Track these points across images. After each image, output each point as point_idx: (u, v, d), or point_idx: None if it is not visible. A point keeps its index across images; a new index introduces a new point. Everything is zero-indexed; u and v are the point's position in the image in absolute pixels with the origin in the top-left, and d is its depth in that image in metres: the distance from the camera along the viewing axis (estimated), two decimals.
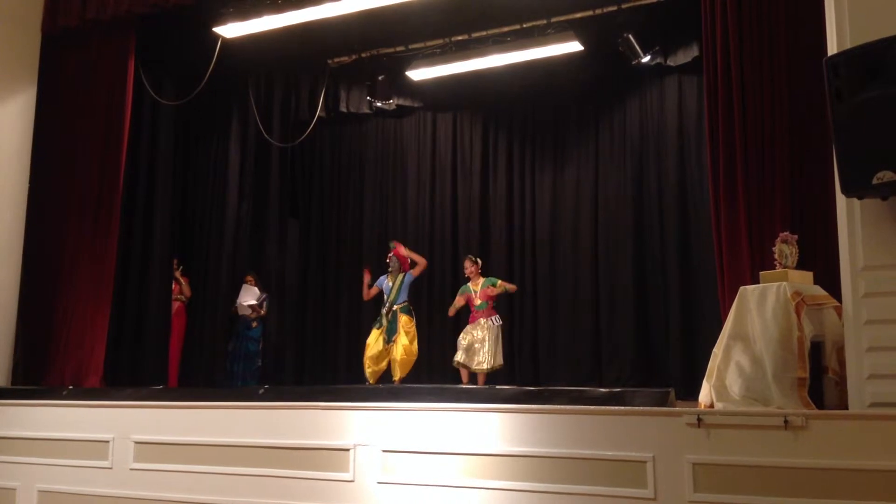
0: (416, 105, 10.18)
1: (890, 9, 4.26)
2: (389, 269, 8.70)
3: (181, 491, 5.39)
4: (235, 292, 9.72)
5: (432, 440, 4.79)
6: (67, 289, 7.37)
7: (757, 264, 5.08)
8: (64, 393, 6.37)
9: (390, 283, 8.60)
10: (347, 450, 4.98)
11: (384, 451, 4.89)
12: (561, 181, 9.61)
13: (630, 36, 8.25)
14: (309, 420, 5.15)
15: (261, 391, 5.93)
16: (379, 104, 9.91)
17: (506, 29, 8.61)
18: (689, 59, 8.43)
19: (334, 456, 5.00)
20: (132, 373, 7.98)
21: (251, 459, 5.23)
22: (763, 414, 4.12)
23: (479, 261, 8.74)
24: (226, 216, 9.61)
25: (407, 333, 8.34)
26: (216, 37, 8.04)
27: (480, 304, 8.45)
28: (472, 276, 8.62)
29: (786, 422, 3.97)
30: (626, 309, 8.90)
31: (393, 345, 8.33)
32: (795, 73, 5.33)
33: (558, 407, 4.58)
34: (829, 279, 4.66)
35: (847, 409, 4.24)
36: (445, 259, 9.92)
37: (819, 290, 4.65)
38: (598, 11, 8.21)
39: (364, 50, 9.36)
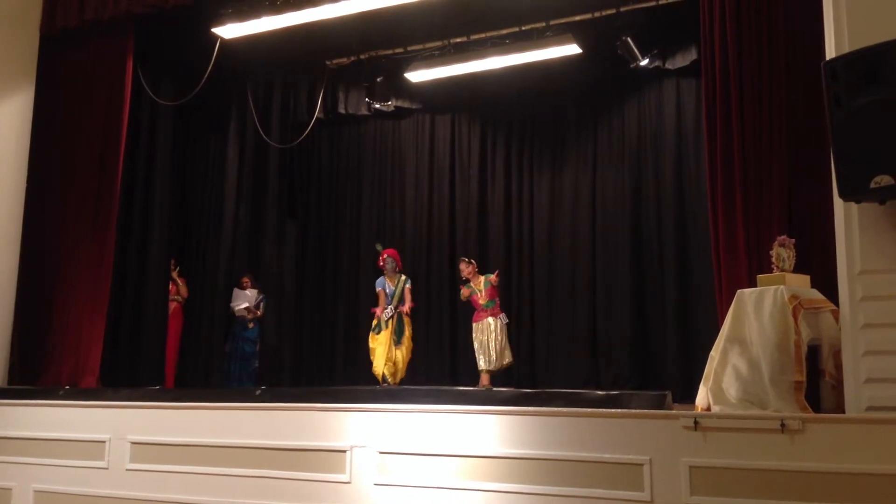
0: (414, 107, 10.19)
1: (888, 13, 4.26)
2: (385, 272, 8.71)
3: (177, 491, 5.38)
4: (232, 294, 9.72)
5: (429, 442, 4.79)
6: (64, 289, 7.36)
7: (754, 268, 5.08)
8: (60, 393, 6.36)
9: (392, 287, 8.61)
10: (344, 451, 4.97)
11: (381, 452, 4.89)
12: (559, 184, 9.62)
13: (629, 39, 8.26)
14: (306, 421, 5.15)
15: (257, 392, 5.92)
16: (377, 106, 9.92)
17: (504, 31, 8.62)
18: (687, 62, 8.44)
19: (331, 457, 5.00)
20: (129, 373, 7.97)
21: (248, 460, 5.22)
22: (760, 417, 4.12)
23: (473, 261, 8.76)
24: (224, 217, 9.60)
25: (409, 332, 8.53)
26: (215, 37, 8.04)
27: (488, 302, 8.51)
28: (470, 276, 8.63)
29: (783, 425, 3.97)
30: (624, 311, 8.91)
31: (400, 346, 8.43)
32: (794, 76, 5.34)
33: (555, 409, 4.58)
34: (826, 283, 4.66)
35: (844, 412, 4.24)
36: (443, 261, 9.92)
37: (816, 294, 4.65)
38: (596, 14, 8.23)
39: (363, 51, 9.37)
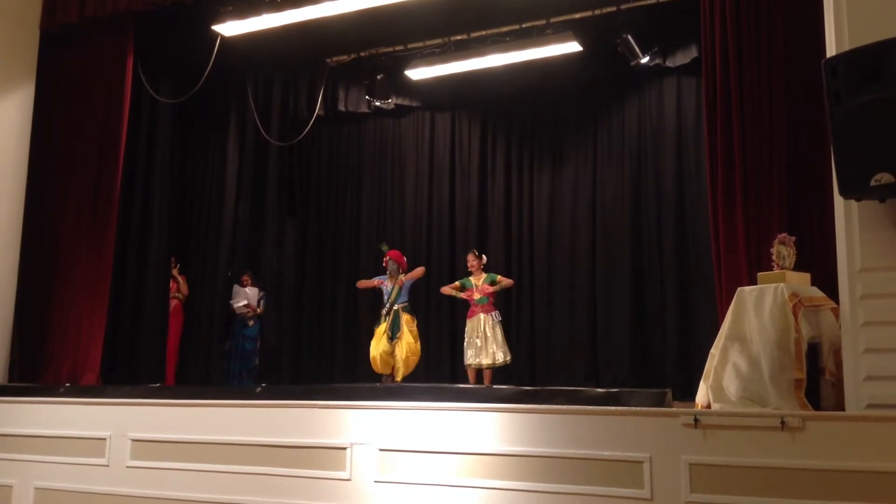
0: (414, 104, 10.19)
1: (889, 11, 4.26)
2: (388, 273, 8.72)
3: (178, 489, 5.39)
4: (232, 291, 9.73)
5: (429, 439, 4.79)
6: (65, 286, 7.37)
7: (754, 265, 5.08)
8: (61, 390, 6.36)
9: (390, 286, 8.63)
10: (344, 449, 4.97)
11: (381, 450, 4.89)
12: (559, 181, 9.62)
13: (629, 37, 8.26)
14: (306, 419, 5.15)
15: (258, 390, 5.93)
16: (377, 103, 9.92)
17: (505, 29, 8.61)
18: (687, 60, 8.44)
19: (331, 455, 5.00)
20: (129, 370, 7.98)
21: (248, 458, 5.22)
22: (760, 415, 4.13)
23: (483, 256, 8.76)
24: (224, 214, 9.60)
25: (410, 332, 8.46)
26: (215, 35, 8.04)
27: (480, 298, 8.50)
28: (474, 269, 8.64)
29: (782, 423, 3.97)
30: (624, 309, 8.91)
31: (397, 343, 8.41)
32: (794, 74, 5.34)
33: (555, 407, 4.58)
34: (826, 281, 4.66)
35: (844, 410, 4.25)
36: (443, 258, 9.92)
37: (816, 292, 4.65)
38: (597, 12, 8.22)
39: (363, 49, 9.36)
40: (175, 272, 9.22)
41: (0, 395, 6.38)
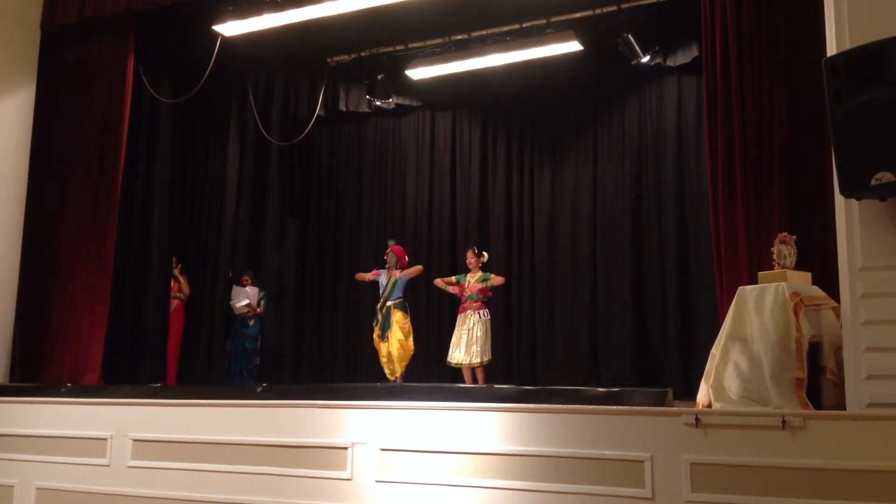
0: (415, 104, 10.18)
1: (889, 10, 4.26)
2: (387, 265, 8.73)
3: (178, 489, 5.39)
4: (233, 291, 9.73)
5: (430, 439, 4.79)
6: (66, 286, 7.37)
7: (755, 264, 5.09)
8: (62, 390, 6.36)
9: (385, 281, 8.65)
10: (345, 448, 4.98)
11: (382, 449, 4.90)
12: (559, 181, 9.61)
13: (630, 36, 8.25)
14: (307, 418, 5.16)
15: (259, 389, 5.93)
16: (378, 103, 9.91)
17: (505, 28, 8.61)
18: (688, 59, 8.43)
19: (332, 454, 5.01)
20: (130, 370, 7.98)
21: (249, 458, 5.23)
22: (761, 414, 4.13)
23: (483, 254, 8.74)
24: (224, 214, 9.59)
25: (401, 329, 8.45)
26: (216, 35, 8.04)
27: (470, 294, 8.51)
28: (472, 267, 8.64)
29: (783, 422, 3.97)
30: (625, 308, 8.90)
31: (388, 341, 8.43)
32: (794, 73, 5.34)
33: (556, 406, 4.58)
34: (827, 280, 4.66)
35: (845, 409, 4.25)
36: (443, 258, 9.92)
37: (817, 291, 4.65)
38: (597, 11, 8.21)
39: (363, 49, 9.36)
40: (176, 272, 9.22)
41: (1, 395, 6.39)
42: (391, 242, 8.96)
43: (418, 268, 8.88)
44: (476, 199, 9.95)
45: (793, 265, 4.72)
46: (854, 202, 4.26)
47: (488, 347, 8.40)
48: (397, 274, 8.64)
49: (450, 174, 10.15)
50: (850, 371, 4.24)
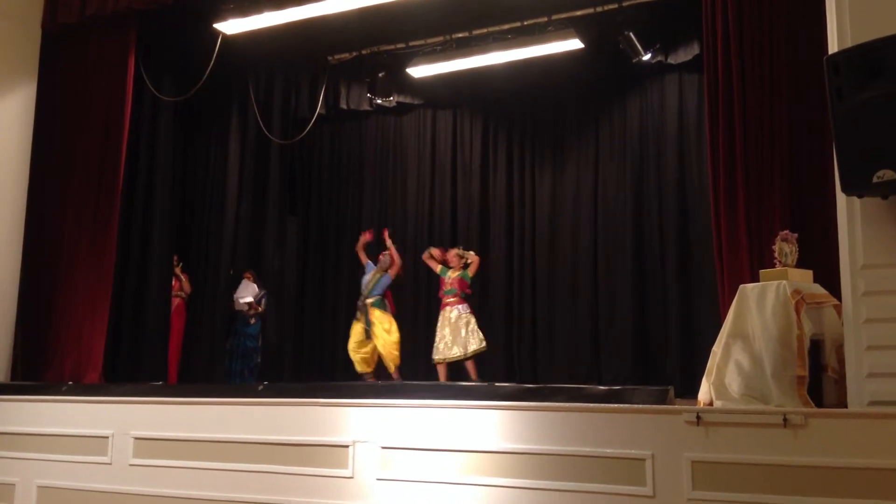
0: (416, 102, 10.17)
1: (891, 8, 4.26)
2: (378, 265, 8.79)
3: (180, 487, 5.39)
4: (235, 289, 9.73)
5: (431, 437, 4.79)
6: (67, 284, 7.37)
7: (756, 262, 5.08)
8: (63, 389, 6.37)
9: (368, 277, 8.75)
10: (347, 446, 4.98)
11: (383, 447, 4.90)
12: (560, 179, 9.61)
13: (631, 34, 8.24)
14: (308, 417, 5.16)
15: (260, 388, 5.93)
16: (379, 101, 9.90)
17: (506, 26, 8.60)
18: (689, 57, 8.42)
19: (333, 452, 5.01)
20: (131, 369, 7.98)
21: (250, 456, 5.23)
22: (762, 412, 4.13)
23: (466, 256, 8.73)
24: (225, 213, 9.60)
25: (381, 324, 8.57)
26: (216, 33, 8.03)
27: (449, 289, 8.55)
28: (454, 266, 8.66)
29: (785, 420, 3.97)
30: (626, 306, 8.90)
31: (373, 339, 8.57)
32: (796, 71, 5.33)
33: (557, 404, 4.59)
34: (828, 278, 4.66)
35: (846, 407, 4.25)
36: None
37: (819, 289, 4.65)
38: (598, 9, 8.20)
39: (364, 47, 9.35)
40: (177, 270, 9.23)
41: (3, 394, 6.39)
42: (389, 243, 8.98)
43: (397, 264, 8.89)
44: (477, 197, 9.95)
45: (794, 263, 4.71)
46: (855, 200, 4.25)
47: (478, 335, 8.41)
48: (389, 271, 8.72)
49: (451, 172, 10.15)
50: (852, 369, 4.24)
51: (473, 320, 8.50)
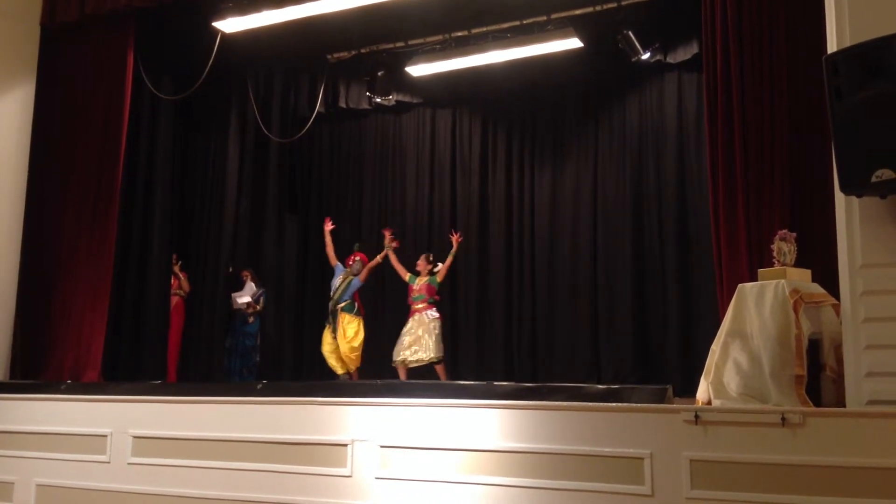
0: (415, 101, 10.17)
1: (890, 7, 4.26)
2: (349, 270, 8.82)
3: (179, 485, 5.39)
4: (233, 288, 9.73)
5: (430, 436, 4.80)
6: (66, 283, 7.37)
7: (755, 262, 5.09)
8: (62, 387, 6.38)
9: (338, 281, 8.77)
10: (345, 445, 4.98)
11: (382, 446, 4.90)
12: (560, 178, 9.61)
13: (630, 33, 8.24)
14: (307, 415, 5.16)
15: (259, 386, 5.93)
16: (378, 100, 9.89)
17: (505, 25, 8.60)
18: (689, 56, 8.42)
19: (332, 451, 5.01)
20: (131, 367, 7.97)
21: (249, 454, 5.23)
22: (760, 411, 4.13)
23: (434, 262, 8.72)
24: (224, 211, 9.58)
25: (349, 327, 8.66)
26: (215, 31, 8.03)
27: (417, 296, 8.56)
28: (422, 272, 8.66)
29: (783, 419, 3.98)
30: (625, 305, 8.90)
31: (337, 341, 8.67)
32: (795, 70, 5.33)
33: (556, 403, 4.59)
34: (827, 277, 4.66)
35: (844, 406, 4.25)
36: (444, 255, 9.89)
37: (817, 288, 4.65)
38: (597, 8, 8.21)
39: (363, 45, 9.35)
40: (176, 269, 9.22)
41: (1, 392, 6.40)
42: (357, 247, 9.02)
43: (366, 273, 8.91)
44: (476, 196, 9.95)
45: (793, 262, 4.72)
46: (854, 199, 4.25)
47: (437, 345, 8.38)
48: (361, 275, 8.77)
49: (450, 171, 10.15)
50: (850, 368, 4.24)
51: (440, 327, 8.50)
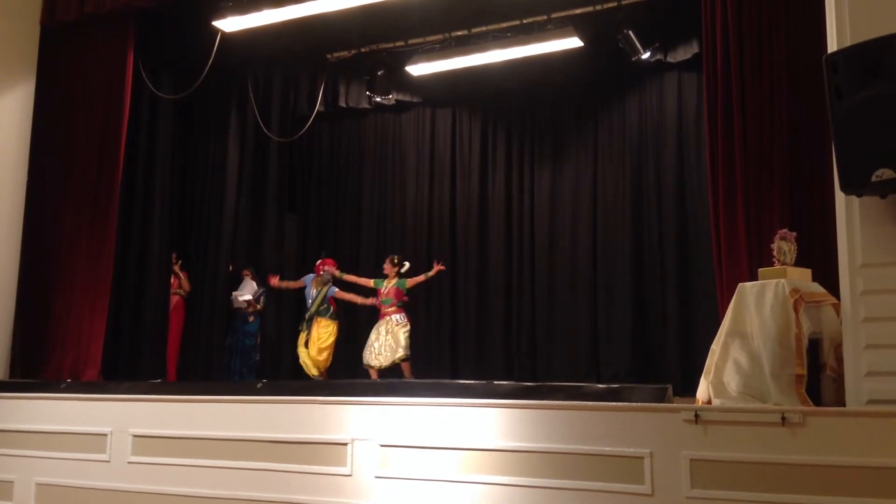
0: (415, 100, 10.18)
1: (890, 7, 4.26)
2: (318, 276, 8.83)
3: (179, 485, 5.39)
4: (234, 287, 9.72)
5: (430, 435, 4.80)
6: (66, 282, 7.37)
7: (755, 261, 5.08)
8: (62, 386, 6.37)
9: (314, 291, 8.80)
10: (345, 444, 4.98)
11: (382, 445, 4.90)
12: (560, 177, 9.62)
13: (630, 32, 8.25)
14: (307, 414, 5.16)
15: (259, 385, 5.93)
16: (378, 99, 9.90)
17: (505, 25, 8.60)
18: (689, 55, 8.44)
19: (332, 450, 5.01)
20: (130, 366, 7.98)
21: (249, 453, 5.23)
22: (760, 411, 4.13)
23: (405, 264, 8.72)
24: (224, 210, 9.59)
25: (325, 329, 8.72)
26: (215, 31, 8.03)
27: (385, 300, 8.58)
28: (389, 274, 8.66)
29: (783, 419, 3.98)
30: (625, 305, 8.91)
31: (308, 347, 8.71)
32: (795, 70, 5.33)
33: (556, 402, 4.59)
34: (827, 276, 4.66)
35: (844, 406, 4.25)
36: (444, 255, 9.91)
37: (817, 288, 4.65)
38: (598, 7, 8.21)
39: (363, 45, 9.35)
40: (176, 268, 9.22)
41: (1, 391, 6.39)
42: (324, 254, 9.11)
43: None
44: (476, 196, 9.96)
45: (793, 262, 4.71)
46: (854, 199, 4.25)
47: (406, 346, 8.35)
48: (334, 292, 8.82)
49: (450, 170, 10.16)
50: (850, 368, 4.24)
51: (408, 329, 8.47)
